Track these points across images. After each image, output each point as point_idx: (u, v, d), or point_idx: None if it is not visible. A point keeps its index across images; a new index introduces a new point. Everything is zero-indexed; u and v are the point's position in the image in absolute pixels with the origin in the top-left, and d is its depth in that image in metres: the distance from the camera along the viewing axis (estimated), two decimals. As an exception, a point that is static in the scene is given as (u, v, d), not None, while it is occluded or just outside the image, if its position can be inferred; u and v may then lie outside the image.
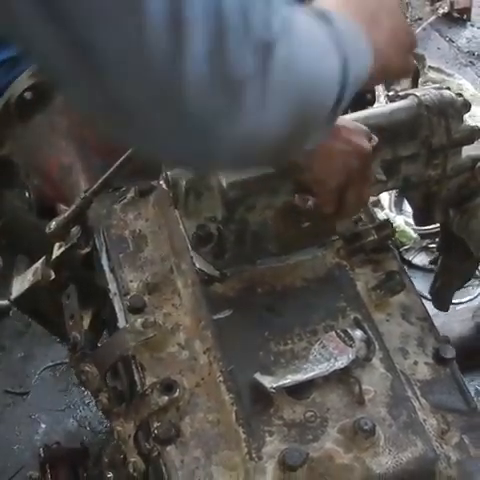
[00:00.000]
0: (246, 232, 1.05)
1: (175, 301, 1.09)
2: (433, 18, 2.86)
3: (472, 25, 2.98)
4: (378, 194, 1.08)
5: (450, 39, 2.88)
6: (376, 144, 1.04)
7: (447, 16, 2.92)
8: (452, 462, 0.97)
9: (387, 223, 1.14)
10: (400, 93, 1.15)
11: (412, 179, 1.13)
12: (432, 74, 2.57)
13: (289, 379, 0.96)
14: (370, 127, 1.06)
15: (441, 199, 1.16)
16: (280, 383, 0.95)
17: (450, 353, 1.06)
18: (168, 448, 0.97)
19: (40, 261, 1.23)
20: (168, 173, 1.06)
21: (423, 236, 2.04)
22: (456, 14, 2.94)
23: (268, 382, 0.96)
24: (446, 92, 1.12)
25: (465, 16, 2.99)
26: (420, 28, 2.78)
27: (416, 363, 1.05)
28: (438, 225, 1.57)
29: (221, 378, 0.99)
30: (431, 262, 1.33)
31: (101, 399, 1.07)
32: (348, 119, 1.01)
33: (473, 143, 1.13)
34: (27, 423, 1.70)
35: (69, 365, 1.20)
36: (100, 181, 1.18)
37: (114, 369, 1.07)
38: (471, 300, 1.95)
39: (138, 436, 1.02)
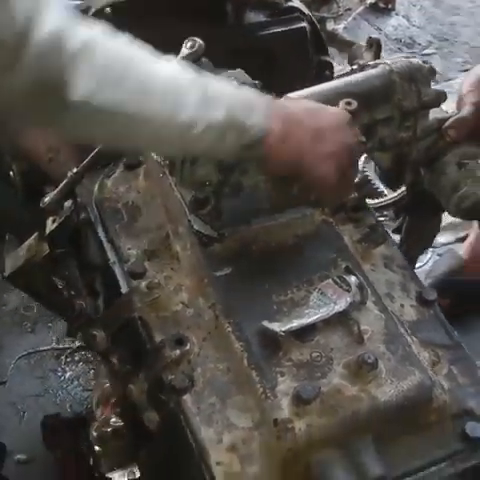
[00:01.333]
0: (240, 194, 1.13)
1: (174, 265, 1.16)
2: (361, 8, 3.01)
3: (397, 14, 3.14)
4: (360, 156, 1.16)
5: (378, 27, 3.03)
6: (355, 108, 1.13)
7: (374, 6, 3.08)
8: (445, 389, 1.07)
9: (364, 182, 1.23)
10: (370, 62, 1.24)
11: (387, 141, 1.21)
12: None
13: (296, 323, 1.04)
14: (349, 94, 1.15)
15: (412, 160, 1.25)
16: (288, 327, 1.03)
17: (432, 295, 1.16)
18: (184, 397, 1.04)
19: (33, 237, 1.27)
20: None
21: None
22: (382, 4, 3.10)
23: (277, 327, 1.03)
24: (414, 60, 1.22)
25: (390, 6, 3.15)
26: (351, 18, 2.91)
27: (403, 306, 1.15)
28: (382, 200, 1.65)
29: (229, 329, 1.06)
30: (394, 231, 1.42)
31: (111, 360, 1.12)
32: (333, 112, 1.09)
33: (440, 106, 1.23)
34: (9, 410, 1.72)
35: (70, 334, 1.25)
36: (90, 156, 1.23)
37: (121, 331, 1.12)
38: (422, 266, 2.07)
39: (150, 390, 1.08)
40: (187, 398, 1.04)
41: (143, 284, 1.11)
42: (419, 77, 1.21)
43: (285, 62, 1.34)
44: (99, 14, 1.41)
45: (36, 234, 1.27)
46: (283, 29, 1.34)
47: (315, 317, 1.04)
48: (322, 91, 1.17)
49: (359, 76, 1.21)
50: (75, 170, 1.22)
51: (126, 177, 1.25)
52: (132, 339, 1.12)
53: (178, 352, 1.05)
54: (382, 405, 1.01)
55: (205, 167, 1.12)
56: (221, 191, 1.12)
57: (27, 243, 1.27)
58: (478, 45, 3.13)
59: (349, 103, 1.15)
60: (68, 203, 1.23)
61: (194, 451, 1.01)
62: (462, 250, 2.00)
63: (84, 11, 1.40)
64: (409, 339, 1.08)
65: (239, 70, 1.21)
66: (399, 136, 1.22)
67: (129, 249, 1.17)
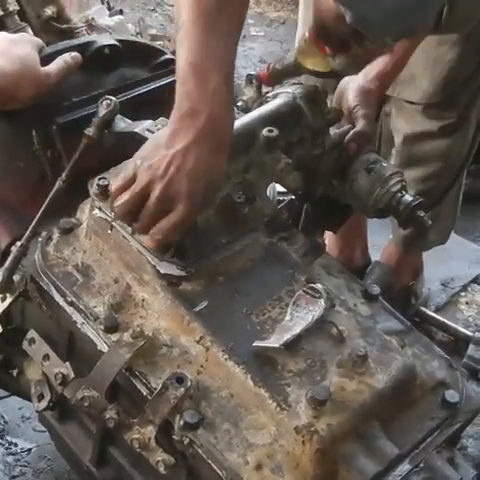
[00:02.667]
0: (197, 232, 1.18)
1: (141, 313, 1.18)
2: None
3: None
4: (288, 176, 1.26)
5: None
6: (276, 135, 1.24)
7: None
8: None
9: (288, 204, 1.34)
10: (270, 94, 1.36)
11: (303, 160, 1.32)
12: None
13: (287, 335, 1.11)
14: (267, 123, 1.26)
15: (323, 174, 1.38)
16: (284, 340, 1.10)
17: (376, 290, 1.28)
18: (199, 432, 1.07)
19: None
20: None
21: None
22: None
23: (273, 343, 1.10)
24: (309, 85, 1.35)
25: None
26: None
27: (355, 305, 1.25)
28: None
29: (225, 356, 1.11)
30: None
31: (110, 417, 1.12)
32: None
33: (340, 121, 1.36)
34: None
35: (54, 405, 1.22)
36: (31, 228, 1.23)
37: (114, 387, 1.12)
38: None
39: (159, 435, 1.10)
40: (201, 432, 1.07)
41: (126, 335, 1.12)
42: (318, 99, 1.34)
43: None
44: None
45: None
46: (170, 80, 1.41)
47: (302, 327, 1.12)
48: (246, 122, 1.27)
49: (270, 106, 1.31)
50: (19, 244, 1.21)
51: (67, 241, 1.25)
52: (127, 391, 1.12)
53: (182, 390, 1.08)
54: (380, 392, 1.10)
55: (163, 212, 1.16)
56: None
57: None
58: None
59: (271, 130, 1.25)
60: (17, 278, 1.21)
61: (224, 479, 1.04)
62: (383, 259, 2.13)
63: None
64: (378, 330, 1.19)
65: (162, 118, 1.27)
66: (312, 154, 1.34)
67: (94, 307, 1.18)
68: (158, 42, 3.41)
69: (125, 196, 1.13)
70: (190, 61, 1.11)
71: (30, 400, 1.27)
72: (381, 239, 2.19)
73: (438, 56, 1.73)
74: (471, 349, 2.03)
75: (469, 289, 2.29)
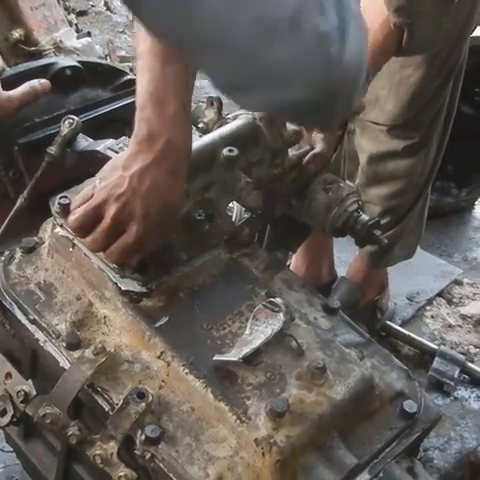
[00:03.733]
0: (158, 249, 1.20)
1: (103, 330, 1.19)
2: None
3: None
4: (248, 195, 1.28)
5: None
6: (236, 154, 1.27)
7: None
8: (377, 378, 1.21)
9: (250, 221, 1.36)
10: (231, 115, 1.38)
11: (262, 180, 1.35)
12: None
13: (246, 349, 1.12)
14: (227, 143, 1.28)
15: (282, 194, 1.40)
16: (243, 353, 1.11)
17: (336, 304, 1.30)
18: (160, 445, 1.08)
19: None
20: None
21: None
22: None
23: (232, 357, 1.11)
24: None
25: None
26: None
27: (316, 318, 1.28)
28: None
29: (186, 370, 1.12)
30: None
31: (73, 433, 1.12)
32: None
33: (299, 143, 1.39)
34: None
35: (18, 421, 1.23)
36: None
37: (76, 403, 1.13)
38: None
39: (121, 450, 1.11)
40: (163, 446, 1.08)
41: (88, 352, 1.13)
42: (278, 121, 1.36)
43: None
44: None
45: None
46: (131, 100, 1.44)
47: (261, 340, 1.14)
48: (207, 142, 1.29)
49: (230, 126, 1.34)
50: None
51: (29, 259, 1.26)
52: (90, 407, 1.13)
53: (144, 405, 1.09)
54: (339, 403, 1.12)
55: (123, 229, 1.18)
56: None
57: None
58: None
59: (231, 150, 1.28)
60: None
61: (186, 492, 1.05)
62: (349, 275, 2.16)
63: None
64: (337, 343, 1.21)
65: (124, 137, 1.29)
66: (271, 174, 1.37)
67: (57, 325, 1.19)
68: (127, 63, 3.44)
69: (80, 211, 1.15)
70: (147, 89, 1.14)
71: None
72: (347, 255, 2.22)
73: (402, 78, 1.78)
74: (436, 362, 2.05)
75: (434, 303, 2.32)
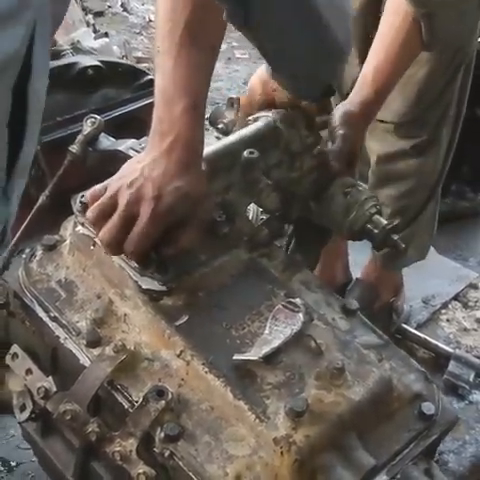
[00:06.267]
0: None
1: (123, 328, 1.20)
2: None
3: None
4: (267, 197, 1.29)
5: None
6: (257, 157, 1.27)
7: None
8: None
9: (269, 222, 1.37)
10: (251, 117, 1.39)
11: (281, 182, 1.36)
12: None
13: (266, 348, 1.13)
14: (248, 145, 1.29)
15: (300, 196, 1.41)
16: (263, 353, 1.12)
17: (354, 305, 1.30)
18: (179, 443, 1.08)
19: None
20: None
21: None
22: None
23: (252, 356, 1.12)
24: (289, 111, 1.38)
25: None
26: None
27: (334, 319, 1.28)
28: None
29: (205, 369, 1.13)
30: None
31: (92, 430, 1.13)
32: None
33: (318, 145, 1.40)
34: None
35: (36, 417, 1.24)
36: (13, 242, 1.25)
37: (97, 400, 1.14)
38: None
39: (140, 448, 1.11)
40: (182, 444, 1.08)
41: (108, 349, 1.14)
42: (298, 123, 1.37)
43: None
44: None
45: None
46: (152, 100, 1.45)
47: (281, 340, 1.14)
48: (227, 143, 1.30)
49: (250, 128, 1.35)
50: (1, 258, 1.23)
51: (50, 257, 1.27)
52: (109, 404, 1.14)
53: (163, 403, 1.09)
54: (358, 404, 1.12)
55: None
56: (161, 248, 1.19)
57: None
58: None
59: (252, 152, 1.29)
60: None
61: (204, 490, 1.06)
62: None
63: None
64: (356, 344, 1.22)
65: (146, 137, 1.29)
66: (290, 176, 1.37)
67: (77, 322, 1.20)
68: (143, 64, 3.46)
69: (96, 203, 1.19)
70: (160, 88, 1.19)
71: (10, 413, 1.29)
72: (362, 257, 2.22)
73: (409, 76, 1.77)
74: (451, 365, 2.05)
75: (450, 306, 2.32)
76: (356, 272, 2.23)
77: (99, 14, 4.08)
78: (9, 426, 1.82)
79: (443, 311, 2.30)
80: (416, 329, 2.19)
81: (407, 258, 2.07)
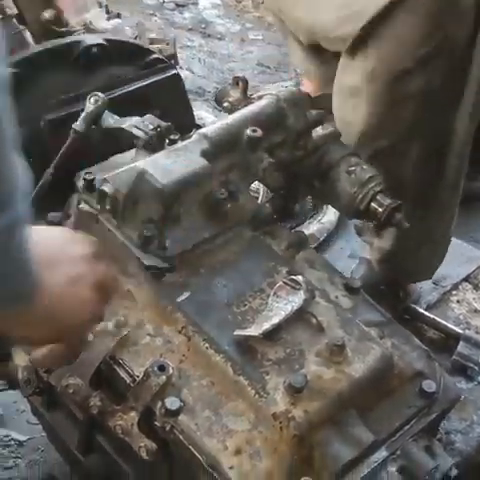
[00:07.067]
0: (181, 226, 1.22)
1: (126, 304, 1.21)
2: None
3: (181, 68, 3.35)
4: (271, 176, 1.29)
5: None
6: (260, 135, 1.27)
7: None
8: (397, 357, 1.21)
9: (273, 200, 1.37)
10: (255, 95, 1.39)
11: (285, 161, 1.35)
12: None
13: (267, 325, 1.13)
14: (251, 123, 1.29)
15: (305, 175, 1.40)
16: (263, 329, 1.13)
17: (357, 283, 1.30)
18: (180, 417, 1.09)
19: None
20: (104, 188, 1.19)
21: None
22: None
23: (253, 332, 1.13)
24: (292, 88, 1.38)
25: (173, 61, 3.35)
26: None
27: (337, 297, 1.28)
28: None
29: (206, 345, 1.13)
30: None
31: (94, 404, 1.14)
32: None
33: (323, 124, 1.39)
34: None
35: (41, 391, 1.25)
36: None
37: (98, 374, 1.15)
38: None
39: (141, 422, 1.12)
40: (182, 418, 1.09)
41: (110, 324, 1.15)
42: (301, 102, 1.37)
43: (166, 109, 1.44)
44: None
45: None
46: (158, 78, 1.45)
47: (282, 316, 1.15)
48: (230, 122, 1.30)
49: (254, 107, 1.35)
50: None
51: (54, 234, 1.28)
52: (111, 379, 1.15)
53: (164, 378, 1.10)
54: (358, 381, 1.13)
55: (146, 205, 1.20)
56: (164, 225, 1.20)
57: None
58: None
59: (255, 130, 1.29)
60: None
61: (204, 463, 1.07)
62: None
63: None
64: (358, 322, 1.22)
65: (149, 115, 1.30)
66: (294, 155, 1.37)
67: (80, 298, 1.21)
68: (157, 45, 3.45)
69: None
70: None
71: (19, 388, 1.30)
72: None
73: None
74: (461, 346, 2.04)
75: (460, 288, 2.30)
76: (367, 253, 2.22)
77: (112, -5, 4.07)
78: (19, 401, 1.83)
79: (454, 292, 2.28)
80: (426, 310, 2.18)
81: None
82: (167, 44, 3.51)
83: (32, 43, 2.59)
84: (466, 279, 2.35)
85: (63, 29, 2.77)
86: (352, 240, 2.39)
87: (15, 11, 2.59)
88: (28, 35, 2.58)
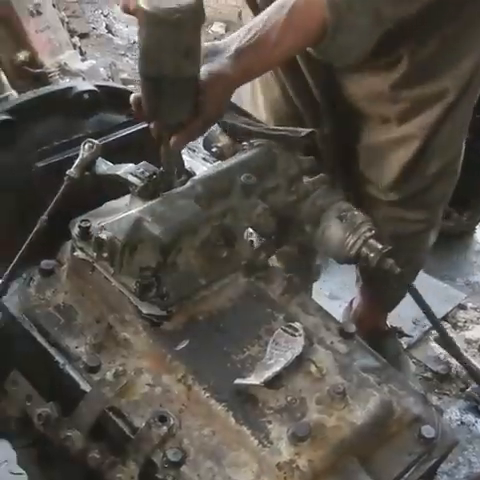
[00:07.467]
0: (178, 273, 1.21)
1: (123, 352, 1.20)
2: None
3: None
4: (264, 221, 1.30)
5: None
6: (254, 181, 1.28)
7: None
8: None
9: (266, 245, 1.37)
10: (245, 144, 1.40)
11: (277, 206, 1.36)
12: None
13: (268, 373, 1.13)
14: (245, 170, 1.30)
15: (296, 220, 1.41)
16: (264, 377, 1.12)
17: (351, 328, 1.30)
18: (182, 469, 1.08)
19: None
20: (101, 236, 1.18)
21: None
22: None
23: (254, 381, 1.12)
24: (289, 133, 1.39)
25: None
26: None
27: (332, 342, 1.28)
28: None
29: (207, 394, 1.12)
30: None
31: (93, 456, 1.12)
32: None
33: (314, 171, 1.40)
34: None
35: (34, 444, 1.23)
36: (11, 266, 1.25)
37: (97, 426, 1.13)
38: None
39: (142, 474, 1.10)
40: (184, 469, 1.08)
41: (109, 374, 1.14)
42: (294, 147, 1.38)
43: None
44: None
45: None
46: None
47: (282, 364, 1.14)
48: (225, 168, 1.31)
49: (247, 154, 1.35)
50: (-1, 282, 1.22)
51: (48, 282, 1.27)
52: (110, 430, 1.13)
53: (165, 429, 1.09)
54: (359, 428, 1.13)
55: (144, 253, 1.19)
56: (161, 273, 1.19)
57: None
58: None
59: (249, 177, 1.30)
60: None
61: (207, 516, 1.05)
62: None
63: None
64: (355, 367, 1.22)
65: (144, 162, 1.30)
66: (287, 200, 1.38)
67: (76, 347, 1.19)
68: (130, 86, 3.46)
69: None
70: None
71: (6, 437, 1.28)
72: (351, 279, 2.22)
73: None
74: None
75: (439, 327, 2.33)
76: (346, 294, 2.24)
77: (84, 36, 4.08)
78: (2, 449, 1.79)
79: (433, 332, 2.31)
80: (407, 349, 2.20)
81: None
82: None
83: (7, 84, 2.60)
84: (444, 318, 2.38)
85: (38, 70, 2.78)
86: (330, 281, 2.42)
87: (-11, 53, 2.59)
88: (3, 76, 2.58)
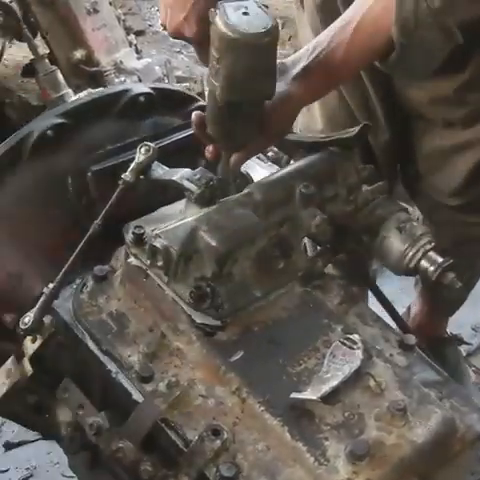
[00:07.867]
0: (233, 284, 1.18)
1: (176, 362, 1.17)
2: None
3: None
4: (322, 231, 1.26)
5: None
6: (312, 191, 1.24)
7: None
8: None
9: (323, 253, 1.33)
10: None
11: (335, 216, 1.32)
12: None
13: (325, 387, 1.09)
14: (303, 179, 1.27)
15: (354, 230, 1.36)
16: (321, 392, 1.08)
17: (411, 340, 1.26)
18: (236, 485, 1.05)
19: (8, 362, 1.24)
20: (156, 244, 1.16)
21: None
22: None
23: (310, 395, 1.08)
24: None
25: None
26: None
27: (392, 355, 1.23)
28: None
29: (262, 408, 1.09)
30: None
31: (145, 468, 1.10)
32: None
33: (373, 180, 1.36)
34: None
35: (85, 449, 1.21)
36: (63, 270, 1.23)
37: (150, 437, 1.11)
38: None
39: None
40: (239, 485, 1.05)
41: (162, 385, 1.12)
42: (354, 156, 1.34)
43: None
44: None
45: (12, 358, 1.24)
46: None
47: (340, 379, 1.11)
48: (283, 177, 1.27)
49: (305, 162, 1.32)
50: (51, 286, 1.21)
51: (101, 288, 1.25)
52: (162, 442, 1.11)
53: (218, 443, 1.06)
54: (420, 446, 1.08)
55: (199, 263, 1.17)
56: (216, 283, 1.17)
57: (3, 369, 1.23)
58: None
59: (307, 186, 1.26)
60: (47, 320, 1.21)
61: None
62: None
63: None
64: (416, 382, 1.17)
65: (201, 168, 1.27)
66: (345, 210, 1.34)
67: (129, 356, 1.17)
68: (184, 84, 3.45)
69: None
70: None
71: (57, 440, 1.27)
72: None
73: None
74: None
75: (499, 334, 2.26)
76: (403, 298, 2.18)
77: (140, 33, 4.08)
78: (54, 453, 1.79)
79: (495, 340, 2.24)
80: (466, 357, 2.14)
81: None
82: (195, 82, 3.54)
83: (63, 82, 2.60)
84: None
85: (94, 69, 2.79)
86: (387, 285, 2.35)
87: (47, 51, 2.59)
88: (59, 75, 2.58)
